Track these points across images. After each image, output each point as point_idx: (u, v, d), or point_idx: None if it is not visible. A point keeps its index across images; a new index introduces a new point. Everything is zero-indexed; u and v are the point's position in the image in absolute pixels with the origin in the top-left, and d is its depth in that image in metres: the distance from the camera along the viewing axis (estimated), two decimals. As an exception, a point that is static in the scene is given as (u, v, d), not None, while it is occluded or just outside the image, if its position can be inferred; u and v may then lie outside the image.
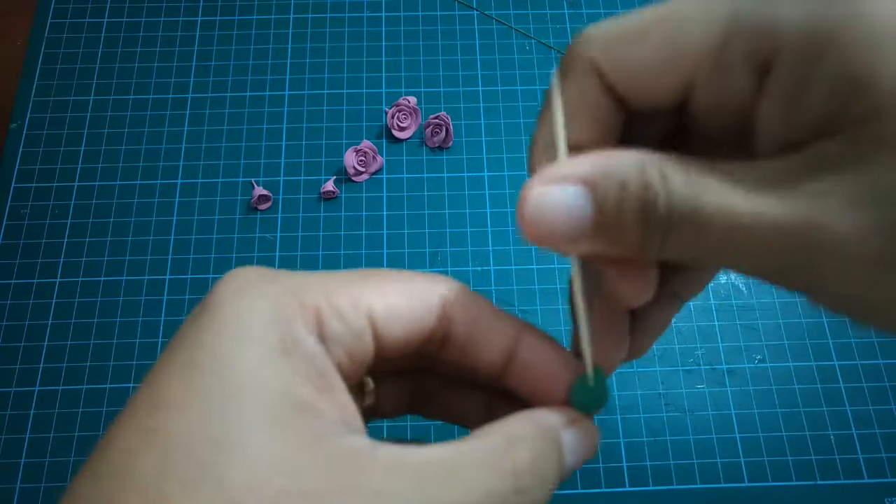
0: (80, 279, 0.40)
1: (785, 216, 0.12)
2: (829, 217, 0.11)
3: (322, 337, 0.13)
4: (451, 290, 0.16)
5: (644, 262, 0.15)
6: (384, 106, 0.45)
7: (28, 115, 0.44)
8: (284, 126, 0.44)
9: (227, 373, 0.12)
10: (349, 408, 0.13)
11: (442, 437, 0.33)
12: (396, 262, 0.41)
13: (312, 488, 0.11)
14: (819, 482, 0.36)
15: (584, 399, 0.17)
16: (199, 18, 0.48)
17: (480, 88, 0.46)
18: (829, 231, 0.11)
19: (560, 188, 0.13)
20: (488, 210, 0.42)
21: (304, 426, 0.12)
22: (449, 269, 0.41)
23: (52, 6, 0.48)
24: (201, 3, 0.48)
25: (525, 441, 0.14)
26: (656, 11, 0.13)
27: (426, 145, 0.44)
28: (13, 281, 0.40)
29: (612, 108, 0.14)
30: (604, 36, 0.14)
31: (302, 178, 0.43)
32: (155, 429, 0.11)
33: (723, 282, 0.41)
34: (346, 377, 0.14)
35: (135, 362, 0.38)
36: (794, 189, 0.12)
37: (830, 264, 0.12)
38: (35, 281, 0.40)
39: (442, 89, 0.46)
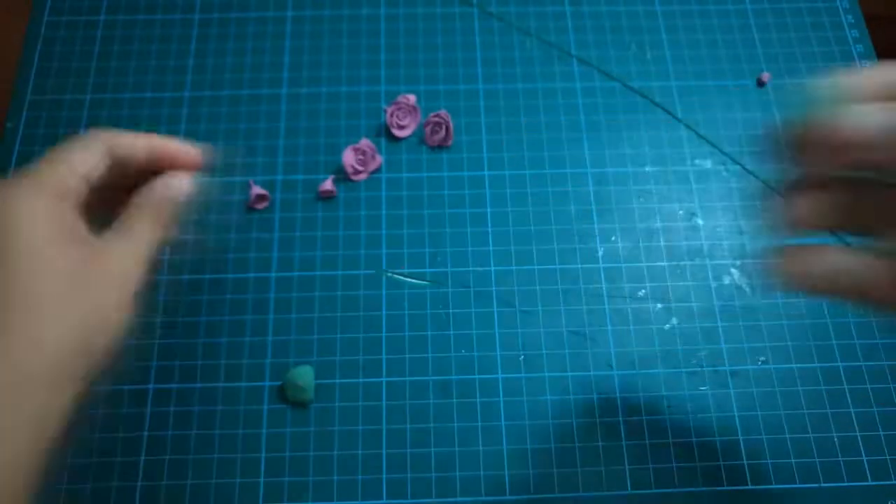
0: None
1: None
2: None
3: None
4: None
5: None
6: (383, 104, 0.45)
7: (24, 114, 0.44)
8: (282, 125, 0.44)
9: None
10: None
11: (441, 436, 0.32)
12: (396, 263, 0.40)
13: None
14: (823, 485, 0.36)
15: None
16: (196, 16, 0.47)
17: (481, 86, 0.45)
18: None
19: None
20: (488, 210, 0.42)
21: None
22: (449, 269, 0.40)
23: (49, 4, 0.48)
24: (198, 1, 0.48)
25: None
26: None
27: (426, 144, 0.44)
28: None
29: None
30: None
31: (300, 177, 0.43)
32: None
33: (726, 283, 0.41)
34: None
35: (132, 362, 0.38)
36: None
37: None
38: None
39: (442, 87, 0.45)
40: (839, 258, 0.22)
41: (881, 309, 0.22)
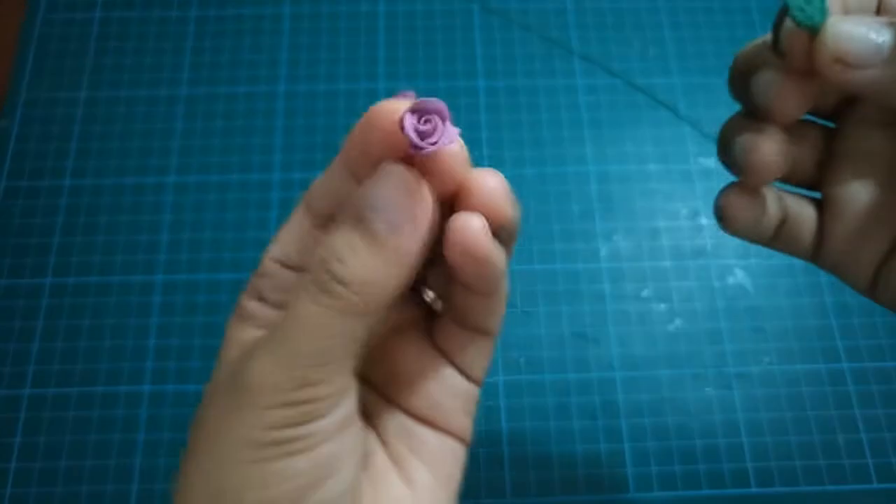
0: (70, 280, 0.39)
1: None
2: None
3: None
4: None
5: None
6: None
7: (19, 112, 0.44)
8: (279, 122, 0.44)
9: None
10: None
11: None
12: (395, 262, 0.40)
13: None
14: (828, 487, 0.36)
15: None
16: (193, 13, 0.47)
17: (481, 83, 0.45)
18: None
19: (866, 26, 0.16)
20: (489, 209, 0.42)
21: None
22: (448, 269, 0.40)
23: (44, 1, 0.47)
24: (195, -3, 0.48)
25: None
26: None
27: (425, 142, 0.43)
28: (2, 281, 0.39)
29: None
30: None
31: (297, 175, 0.42)
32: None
33: (730, 283, 0.40)
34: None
35: (126, 364, 0.38)
36: None
37: None
38: (25, 281, 0.39)
39: (441, 84, 0.45)
40: (793, 202, 0.20)
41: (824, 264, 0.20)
